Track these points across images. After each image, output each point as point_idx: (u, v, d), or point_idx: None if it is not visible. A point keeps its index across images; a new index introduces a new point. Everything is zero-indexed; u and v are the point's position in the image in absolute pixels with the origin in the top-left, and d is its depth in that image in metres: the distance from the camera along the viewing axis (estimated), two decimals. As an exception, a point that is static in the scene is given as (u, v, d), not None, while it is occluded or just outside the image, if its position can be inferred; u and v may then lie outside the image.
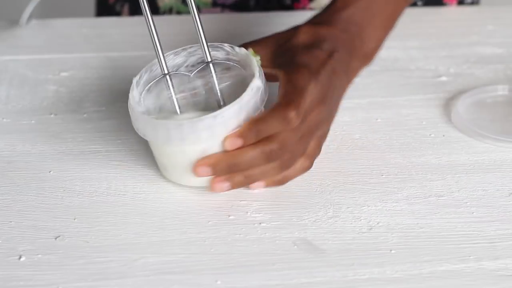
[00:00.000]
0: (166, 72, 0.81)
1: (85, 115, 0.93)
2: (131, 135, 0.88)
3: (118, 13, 1.26)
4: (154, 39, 0.80)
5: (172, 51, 0.84)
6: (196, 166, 0.77)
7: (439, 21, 1.16)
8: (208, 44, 0.83)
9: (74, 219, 0.77)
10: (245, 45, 0.85)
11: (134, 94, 0.80)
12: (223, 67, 0.83)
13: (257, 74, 0.78)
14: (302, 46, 0.84)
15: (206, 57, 0.83)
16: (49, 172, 0.83)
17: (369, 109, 0.95)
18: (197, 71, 0.83)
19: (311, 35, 0.85)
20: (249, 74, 0.80)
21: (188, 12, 1.21)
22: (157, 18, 1.16)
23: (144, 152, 0.86)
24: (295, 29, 0.86)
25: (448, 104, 0.95)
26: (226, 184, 0.78)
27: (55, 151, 0.87)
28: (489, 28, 1.14)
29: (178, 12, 1.20)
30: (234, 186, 0.78)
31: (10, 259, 0.72)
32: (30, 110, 0.94)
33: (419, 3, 1.22)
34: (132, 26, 1.13)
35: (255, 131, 0.76)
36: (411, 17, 1.17)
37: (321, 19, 0.88)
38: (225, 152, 0.77)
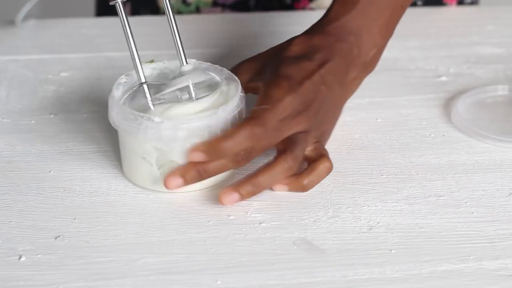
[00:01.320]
0: (143, 81, 0.81)
1: (85, 115, 0.93)
2: (131, 135, 0.88)
3: (118, 13, 1.26)
4: (131, 49, 0.81)
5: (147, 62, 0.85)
6: (167, 178, 0.78)
7: (439, 21, 1.16)
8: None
9: (74, 219, 0.77)
10: (240, 65, 0.87)
11: (115, 96, 0.81)
12: (206, 84, 0.83)
13: (236, 96, 0.80)
14: (291, 58, 0.83)
15: (182, 62, 0.83)
16: (49, 172, 0.83)
17: (369, 109, 0.95)
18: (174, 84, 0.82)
19: (304, 46, 0.85)
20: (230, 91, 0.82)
21: (188, 12, 1.21)
22: (157, 19, 1.16)
23: (144, 152, 0.86)
24: (289, 41, 0.86)
25: (448, 104, 0.95)
26: (235, 195, 0.78)
27: (55, 151, 0.87)
28: (488, 28, 1.14)
29: (178, 12, 1.20)
30: (244, 196, 0.78)
31: (10, 259, 0.72)
32: (30, 110, 0.94)
33: (419, 3, 1.22)
34: (132, 26, 1.13)
35: (218, 149, 0.77)
36: (411, 17, 1.17)
37: (315, 29, 0.87)
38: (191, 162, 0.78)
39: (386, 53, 1.06)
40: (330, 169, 0.81)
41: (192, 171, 0.78)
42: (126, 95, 0.81)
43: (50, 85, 0.99)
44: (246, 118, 0.79)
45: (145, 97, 0.80)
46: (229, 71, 0.83)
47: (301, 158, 0.80)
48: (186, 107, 0.79)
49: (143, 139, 0.78)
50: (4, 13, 2.43)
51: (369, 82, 1.00)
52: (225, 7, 1.21)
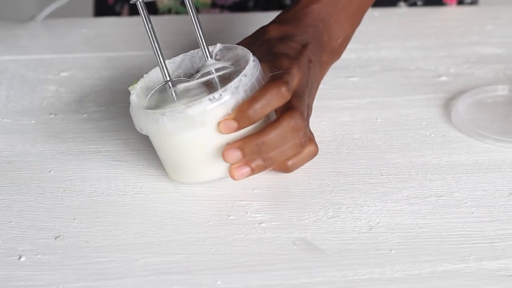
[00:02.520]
0: (168, 78, 0.80)
1: (85, 115, 0.93)
2: (131, 135, 0.88)
3: (117, 14, 1.26)
4: (155, 46, 0.80)
5: (170, 59, 0.84)
6: (225, 150, 0.77)
7: (439, 21, 1.16)
8: (219, 45, 0.83)
9: (74, 219, 0.77)
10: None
11: (135, 98, 0.80)
12: (225, 73, 0.82)
13: (251, 58, 0.78)
14: (275, 39, 0.85)
15: (206, 56, 0.82)
16: (49, 172, 0.83)
17: (369, 109, 0.95)
18: (198, 76, 0.82)
19: (279, 31, 0.86)
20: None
21: (186, 13, 1.21)
22: (156, 19, 1.16)
23: (144, 152, 0.86)
24: (263, 28, 0.87)
25: (448, 104, 0.95)
26: (247, 169, 0.78)
27: (55, 151, 0.87)
28: (488, 28, 1.14)
29: (177, 13, 1.20)
30: (255, 170, 0.78)
31: (10, 259, 0.72)
32: (30, 110, 0.94)
33: (419, 3, 1.22)
34: (132, 26, 1.13)
35: (250, 111, 0.76)
36: (411, 17, 1.17)
37: (287, 17, 0.89)
38: (251, 134, 0.77)
39: (386, 53, 1.06)
40: (315, 153, 0.82)
41: (250, 144, 0.77)
42: (146, 99, 0.80)
43: (50, 85, 0.99)
44: (268, 81, 0.78)
45: (160, 96, 0.80)
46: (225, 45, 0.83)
47: (308, 132, 0.81)
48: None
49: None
50: (5, 13, 2.43)
51: (369, 82, 1.00)
52: (223, 8, 1.21)
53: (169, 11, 1.21)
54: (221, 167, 0.79)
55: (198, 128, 0.76)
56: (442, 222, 0.77)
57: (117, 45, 1.08)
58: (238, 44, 0.86)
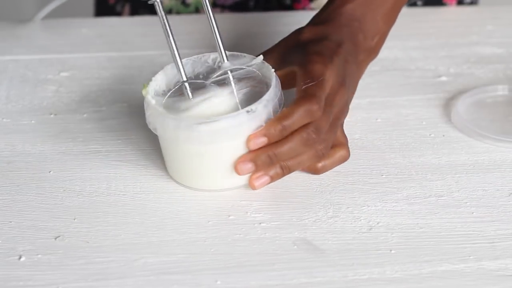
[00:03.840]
0: (184, 79, 0.80)
1: (85, 115, 0.93)
2: (131, 135, 0.88)
3: (118, 13, 1.26)
4: (172, 47, 0.80)
5: (185, 59, 0.83)
6: (238, 164, 0.77)
7: (439, 21, 1.16)
8: (226, 52, 0.83)
9: (74, 219, 0.77)
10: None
11: (153, 101, 0.79)
12: (240, 75, 0.82)
13: (273, 77, 0.79)
14: (311, 40, 0.85)
15: (222, 58, 0.82)
16: (49, 172, 0.83)
17: (369, 109, 0.95)
18: (214, 79, 0.82)
19: (314, 33, 0.86)
20: (265, 82, 0.81)
21: (187, 13, 1.21)
22: (157, 18, 1.16)
23: (144, 152, 0.86)
24: (298, 30, 0.87)
25: (448, 104, 0.95)
26: (265, 178, 0.78)
27: (55, 151, 0.87)
28: (488, 28, 1.14)
29: (178, 13, 1.20)
30: (273, 178, 0.79)
31: (10, 259, 0.72)
32: (30, 110, 0.94)
33: (419, 3, 1.22)
34: (132, 26, 1.13)
35: (280, 127, 0.77)
36: (411, 17, 1.17)
37: (321, 18, 0.88)
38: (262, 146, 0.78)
39: (386, 53, 1.06)
40: (346, 158, 0.83)
41: (262, 156, 0.77)
42: (164, 100, 0.80)
43: (50, 85, 0.99)
44: (300, 97, 0.78)
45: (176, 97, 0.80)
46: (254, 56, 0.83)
47: (331, 142, 0.81)
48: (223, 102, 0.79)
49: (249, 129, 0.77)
50: (5, 13, 2.43)
51: (369, 82, 1.00)
52: (224, 8, 1.21)
53: (169, 12, 1.21)
54: (242, 177, 0.79)
55: (232, 139, 0.77)
56: (442, 222, 0.77)
57: (117, 45, 1.08)
58: (275, 47, 0.86)
